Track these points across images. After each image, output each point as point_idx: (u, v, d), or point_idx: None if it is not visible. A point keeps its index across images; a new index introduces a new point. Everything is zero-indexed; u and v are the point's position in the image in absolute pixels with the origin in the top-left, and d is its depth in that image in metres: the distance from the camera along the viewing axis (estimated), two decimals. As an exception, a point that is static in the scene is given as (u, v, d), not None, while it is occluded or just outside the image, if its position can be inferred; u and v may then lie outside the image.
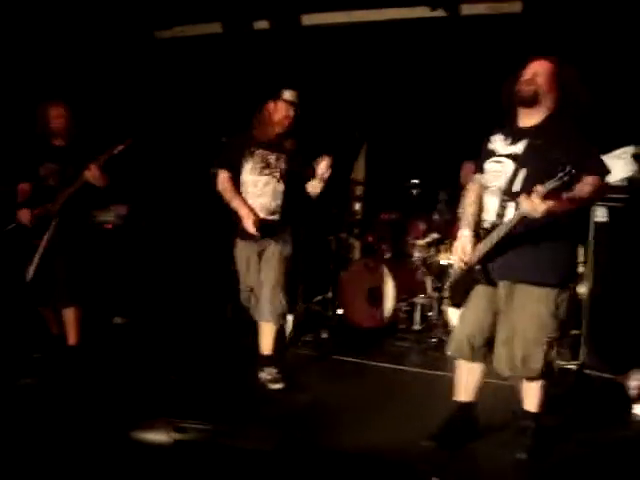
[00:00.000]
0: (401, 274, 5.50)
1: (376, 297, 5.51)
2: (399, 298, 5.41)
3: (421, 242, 5.34)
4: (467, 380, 3.33)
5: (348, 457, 3.09)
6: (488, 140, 3.25)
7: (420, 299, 5.39)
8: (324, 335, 5.39)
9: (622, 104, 4.92)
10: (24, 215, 4.34)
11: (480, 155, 3.30)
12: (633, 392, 3.85)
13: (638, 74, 4.85)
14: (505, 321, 3.12)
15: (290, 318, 4.97)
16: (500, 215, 3.05)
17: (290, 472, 2.91)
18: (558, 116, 3.06)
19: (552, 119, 3.06)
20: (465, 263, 3.19)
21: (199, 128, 6.37)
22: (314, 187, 4.23)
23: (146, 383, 4.07)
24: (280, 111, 4.34)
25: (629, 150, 4.36)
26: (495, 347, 3.17)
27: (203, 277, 6.03)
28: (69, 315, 4.44)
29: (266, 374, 4.26)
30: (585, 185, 2.88)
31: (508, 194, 3.03)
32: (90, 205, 4.70)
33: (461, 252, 3.20)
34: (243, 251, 4.39)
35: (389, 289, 5.44)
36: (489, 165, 3.17)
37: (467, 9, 5.38)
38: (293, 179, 4.33)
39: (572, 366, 4.56)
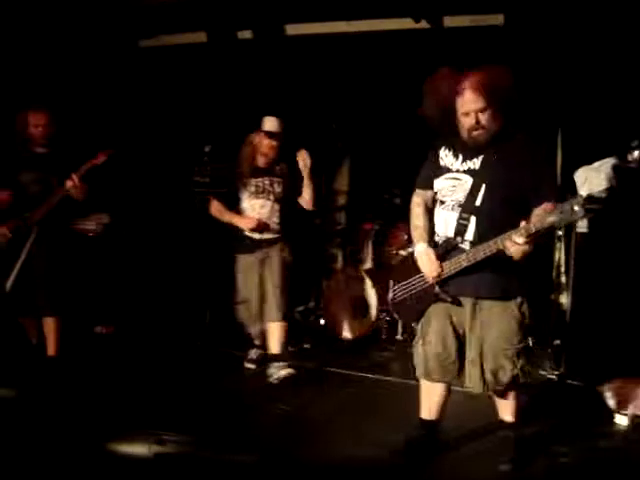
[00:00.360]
0: (383, 284, 5.49)
1: (359, 307, 5.50)
2: (381, 308, 5.41)
3: (403, 252, 5.35)
4: (432, 400, 3.32)
5: (328, 469, 3.09)
6: (436, 156, 3.16)
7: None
8: (306, 345, 5.38)
9: (603, 114, 4.95)
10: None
11: (424, 168, 3.25)
12: (611, 402, 3.86)
13: (618, 85, 4.90)
14: (472, 339, 3.08)
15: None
16: (460, 231, 3.01)
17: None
18: (505, 127, 2.97)
19: (501, 133, 2.97)
20: (438, 275, 3.07)
21: (182, 136, 6.35)
22: (305, 198, 4.62)
23: (127, 394, 4.04)
24: (263, 143, 4.58)
25: (608, 162, 4.39)
26: (465, 367, 3.12)
27: (183, 284, 6.00)
28: (49, 325, 4.41)
29: (275, 368, 4.54)
30: (546, 214, 2.81)
31: (468, 209, 2.99)
32: (71, 214, 4.67)
33: (431, 266, 3.08)
34: (242, 264, 4.68)
35: (371, 299, 5.44)
36: (443, 182, 3.10)
37: (450, 21, 5.41)
38: (288, 199, 4.66)
39: (553, 376, 4.58)
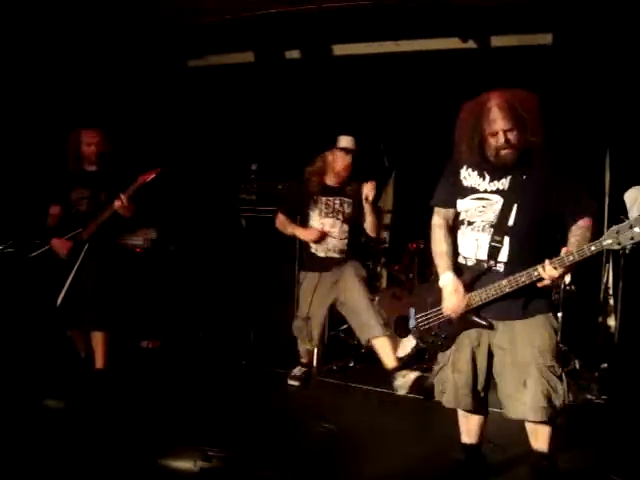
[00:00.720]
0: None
1: (404, 326, 5.47)
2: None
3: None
4: (469, 424, 3.25)
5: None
6: (457, 174, 3.07)
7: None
8: (351, 364, 5.37)
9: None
10: (61, 246, 4.39)
11: (442, 185, 3.16)
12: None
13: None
14: (514, 363, 2.94)
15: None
16: (493, 253, 2.91)
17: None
18: (532, 148, 2.89)
19: (529, 153, 2.89)
20: (463, 310, 2.98)
21: (229, 154, 6.44)
22: (368, 226, 4.63)
23: (173, 409, 4.08)
24: (338, 161, 4.59)
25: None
26: (508, 396, 2.98)
27: (228, 302, 6.05)
28: (97, 339, 4.48)
29: (399, 378, 4.49)
30: (584, 232, 2.80)
31: (501, 229, 2.90)
32: (119, 230, 4.75)
33: (457, 302, 2.97)
34: (309, 281, 4.71)
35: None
36: (470, 202, 3.00)
37: (497, 41, 5.40)
38: (356, 221, 4.67)
39: (600, 400, 4.48)
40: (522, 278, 2.82)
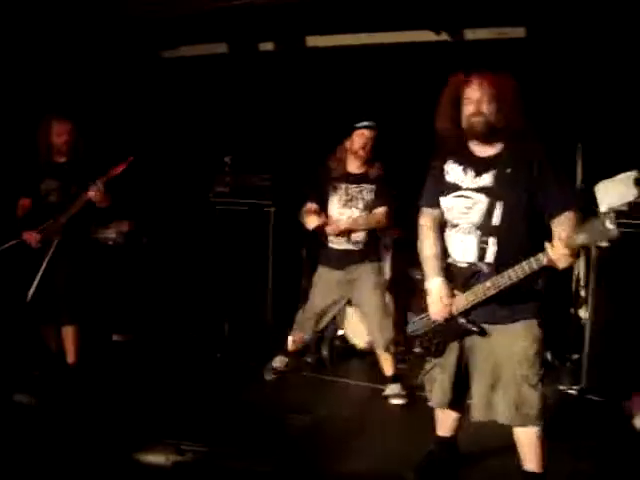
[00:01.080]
0: (403, 296, 5.47)
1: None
2: (401, 320, 5.37)
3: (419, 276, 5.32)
4: (446, 419, 3.26)
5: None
6: (441, 170, 3.03)
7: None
8: (325, 356, 5.36)
9: (624, 128, 4.91)
10: (31, 237, 4.32)
11: (428, 185, 3.13)
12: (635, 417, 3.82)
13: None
14: (490, 367, 2.93)
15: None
16: (480, 255, 2.86)
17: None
18: (516, 137, 2.86)
19: (511, 142, 2.87)
20: (447, 317, 2.95)
21: (202, 147, 6.40)
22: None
23: (146, 403, 4.05)
24: (355, 142, 4.44)
25: (631, 175, 4.35)
26: (478, 397, 2.96)
27: (202, 295, 6.03)
28: (69, 333, 4.43)
29: (389, 390, 4.46)
30: (570, 224, 2.73)
31: (486, 229, 2.85)
32: (91, 222, 4.70)
33: (440, 305, 2.95)
34: (324, 276, 4.58)
35: (391, 311, 5.39)
36: (454, 200, 2.94)
37: (471, 34, 5.41)
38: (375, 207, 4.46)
39: (573, 391, 4.54)
40: (506, 278, 2.74)
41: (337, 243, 4.50)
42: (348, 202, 4.47)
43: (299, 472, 3.21)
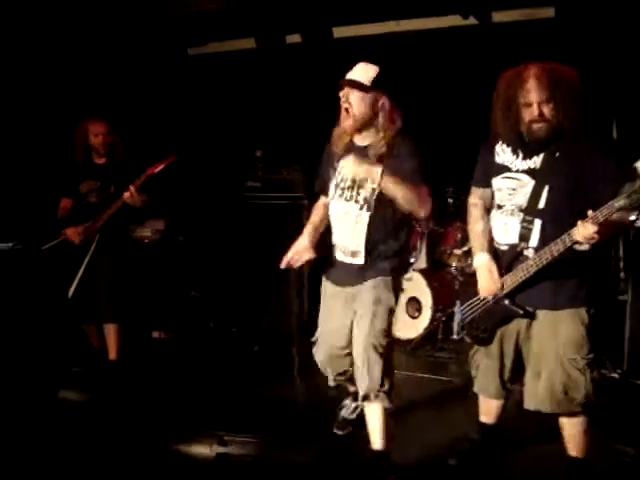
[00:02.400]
0: (438, 284, 5.46)
1: (414, 307, 5.47)
2: (437, 308, 5.37)
3: (458, 251, 5.30)
4: (489, 406, 3.24)
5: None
6: (491, 151, 2.97)
7: (457, 312, 5.33)
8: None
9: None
10: (74, 234, 4.39)
11: (479, 165, 3.07)
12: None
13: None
14: (535, 352, 2.91)
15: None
16: (524, 237, 2.82)
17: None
18: (572, 123, 2.72)
19: (565, 129, 2.74)
20: (497, 292, 2.92)
21: (233, 142, 6.43)
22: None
23: (187, 397, 4.10)
24: (341, 108, 3.17)
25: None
26: (526, 383, 2.95)
27: (239, 290, 6.06)
28: (110, 330, 4.50)
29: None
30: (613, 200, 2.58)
31: (532, 212, 2.80)
32: (128, 221, 4.76)
33: (490, 283, 2.92)
34: (326, 290, 3.42)
35: (427, 299, 5.40)
36: (502, 181, 2.90)
37: (499, 16, 5.36)
38: (387, 203, 3.05)
39: (615, 375, 4.48)
40: (547, 254, 2.71)
41: (336, 250, 3.28)
42: (344, 191, 3.18)
43: (339, 463, 3.22)
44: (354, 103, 3.11)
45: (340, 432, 3.67)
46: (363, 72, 3.23)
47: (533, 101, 2.71)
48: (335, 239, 3.25)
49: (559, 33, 5.04)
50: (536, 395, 2.90)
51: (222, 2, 5.42)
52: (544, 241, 2.78)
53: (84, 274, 4.35)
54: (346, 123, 3.13)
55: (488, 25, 5.37)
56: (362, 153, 3.07)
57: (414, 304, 5.47)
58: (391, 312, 3.16)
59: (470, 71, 5.33)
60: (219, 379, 4.53)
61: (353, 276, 3.19)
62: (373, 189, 3.03)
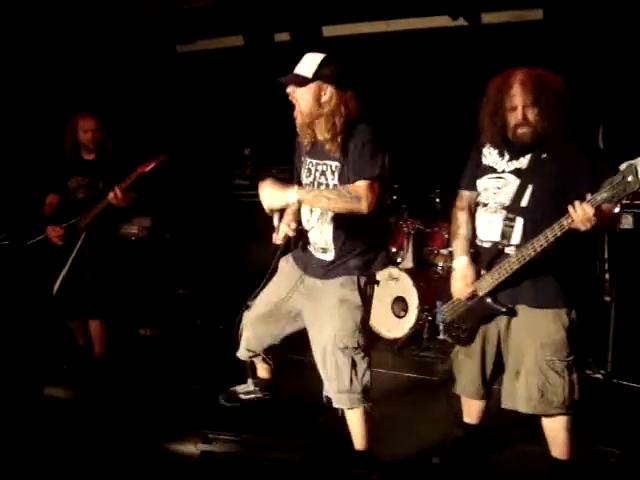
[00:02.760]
0: (424, 283, 5.48)
1: (400, 307, 5.49)
2: (423, 308, 5.39)
3: (445, 251, 5.33)
4: (471, 407, 3.27)
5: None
6: (479, 153, 3.01)
7: (439, 314, 5.36)
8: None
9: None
10: (54, 233, 4.36)
11: (467, 167, 3.09)
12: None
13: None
14: (513, 351, 2.93)
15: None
16: (505, 234, 2.84)
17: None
18: (557, 128, 2.76)
19: (552, 133, 2.78)
20: (469, 295, 2.96)
21: (221, 140, 6.42)
22: None
23: (173, 394, 4.09)
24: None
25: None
26: (505, 383, 2.97)
27: (226, 288, 6.06)
28: (96, 327, 4.49)
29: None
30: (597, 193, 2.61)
31: (514, 210, 2.82)
32: (116, 218, 4.74)
33: (462, 283, 2.97)
34: (284, 269, 3.39)
35: (413, 299, 5.42)
36: (488, 181, 2.94)
37: (488, 17, 5.38)
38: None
39: (599, 375, 4.51)
40: (529, 249, 2.70)
41: (304, 244, 3.29)
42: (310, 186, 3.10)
43: (329, 460, 3.23)
44: (298, 98, 3.04)
45: (226, 403, 3.59)
46: (306, 64, 3.15)
47: (518, 105, 2.75)
48: (308, 234, 3.21)
49: (547, 35, 5.07)
50: (513, 395, 2.91)
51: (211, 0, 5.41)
52: (525, 239, 2.80)
53: (69, 270, 4.32)
54: (297, 120, 3.08)
55: (477, 26, 5.39)
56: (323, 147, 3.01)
57: (400, 304, 5.49)
58: (359, 310, 3.06)
59: (459, 72, 5.35)
60: (205, 377, 4.52)
61: (320, 271, 3.12)
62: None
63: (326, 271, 3.10)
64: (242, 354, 3.49)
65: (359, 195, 2.78)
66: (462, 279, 2.97)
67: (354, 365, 3.02)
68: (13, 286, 4.98)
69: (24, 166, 5.17)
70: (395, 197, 5.71)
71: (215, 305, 5.98)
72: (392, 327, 5.49)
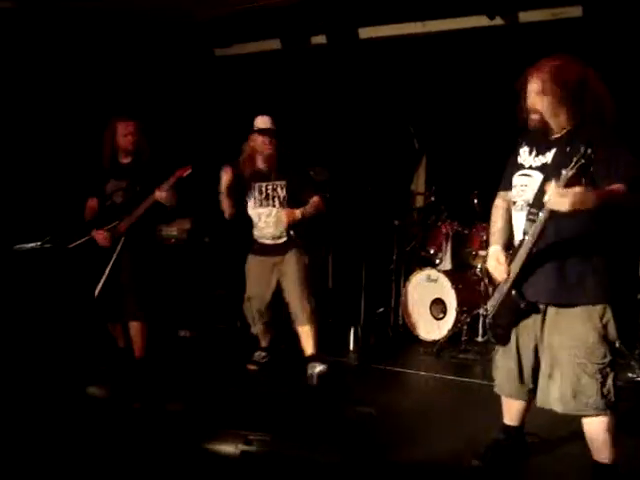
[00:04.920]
0: (463, 285, 5.45)
1: (439, 309, 5.46)
2: (461, 310, 5.35)
3: (483, 252, 5.28)
4: (511, 407, 3.20)
5: (411, 470, 3.09)
6: (516, 153, 3.02)
7: (483, 311, 5.33)
8: (387, 347, 5.37)
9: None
10: (101, 237, 4.41)
11: (507, 168, 3.08)
12: None
13: None
14: (547, 350, 2.87)
15: (352, 330, 4.98)
16: (528, 230, 2.78)
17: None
18: (586, 121, 2.74)
19: (580, 125, 2.76)
20: (504, 277, 2.92)
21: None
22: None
23: (213, 395, 4.13)
24: (258, 144, 4.50)
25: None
26: (540, 382, 2.91)
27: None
28: (136, 329, 4.53)
29: (311, 368, 4.50)
30: (615, 190, 2.57)
31: (536, 205, 2.74)
32: (157, 221, 4.79)
33: (496, 265, 2.96)
34: (250, 262, 4.72)
35: (451, 300, 5.39)
36: (517, 179, 2.94)
37: (526, 16, 5.32)
38: (296, 200, 4.52)
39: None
40: (530, 236, 2.71)
41: (260, 237, 4.65)
42: (263, 201, 4.57)
43: (365, 462, 3.22)
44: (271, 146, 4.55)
45: (251, 367, 4.75)
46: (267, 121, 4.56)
47: (529, 91, 2.79)
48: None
49: (587, 32, 5.00)
50: (547, 395, 2.87)
51: (248, 3, 5.45)
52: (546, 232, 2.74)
53: (110, 273, 4.38)
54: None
55: (515, 25, 5.33)
56: None
57: (439, 305, 5.46)
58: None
59: (496, 73, 5.30)
60: (244, 378, 4.55)
61: None
62: None
63: None
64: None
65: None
66: (496, 263, 2.96)
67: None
68: (56, 289, 5.07)
69: (65, 170, 5.26)
70: (433, 198, 5.69)
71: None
72: (431, 329, 5.46)
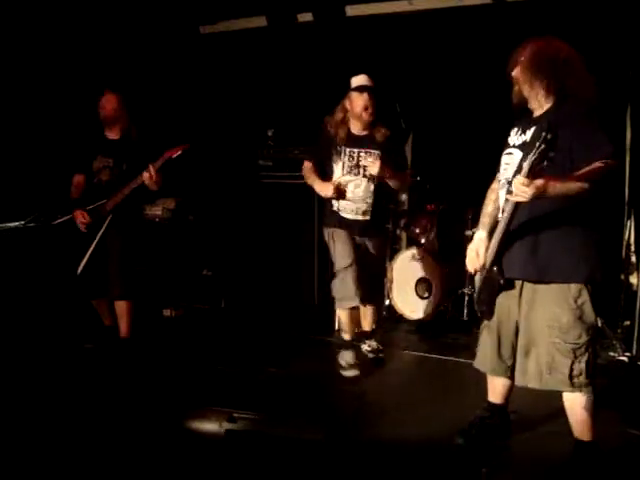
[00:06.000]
0: (448, 264, 5.46)
1: (424, 288, 5.48)
2: (446, 289, 5.37)
3: (469, 232, 5.29)
4: (495, 385, 3.23)
5: (395, 449, 3.11)
6: (508, 134, 3.05)
7: (468, 290, 5.36)
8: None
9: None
10: (82, 219, 4.37)
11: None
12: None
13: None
14: (524, 328, 2.92)
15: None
16: (504, 209, 2.81)
17: (338, 462, 2.93)
18: (567, 98, 2.78)
19: (561, 102, 2.80)
20: (479, 268, 3.02)
21: (245, 121, 6.41)
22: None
23: (197, 374, 4.13)
24: (355, 102, 4.11)
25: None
26: (517, 359, 2.97)
27: (248, 269, 6.10)
28: (122, 308, 4.53)
29: (367, 346, 4.52)
30: (588, 171, 2.61)
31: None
32: (142, 200, 4.76)
33: (473, 257, 3.05)
34: (337, 234, 4.25)
35: (436, 280, 5.41)
36: (502, 158, 2.98)
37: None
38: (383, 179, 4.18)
39: (624, 358, 4.47)
40: (503, 215, 2.78)
41: (343, 211, 4.22)
42: (353, 169, 4.16)
43: (349, 440, 3.24)
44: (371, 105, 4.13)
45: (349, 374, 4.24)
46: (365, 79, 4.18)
47: (511, 69, 2.89)
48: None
49: (572, 13, 4.97)
50: (524, 372, 2.93)
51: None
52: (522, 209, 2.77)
53: (95, 251, 4.35)
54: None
55: (502, 3, 5.30)
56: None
57: (424, 284, 5.47)
58: None
59: (484, 51, 5.28)
60: (229, 357, 4.56)
61: None
62: None
63: None
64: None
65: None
66: (474, 250, 3.04)
67: None
68: (39, 266, 5.04)
69: (50, 147, 5.20)
70: (419, 178, 5.68)
71: (239, 286, 6.02)
72: (416, 308, 5.48)
